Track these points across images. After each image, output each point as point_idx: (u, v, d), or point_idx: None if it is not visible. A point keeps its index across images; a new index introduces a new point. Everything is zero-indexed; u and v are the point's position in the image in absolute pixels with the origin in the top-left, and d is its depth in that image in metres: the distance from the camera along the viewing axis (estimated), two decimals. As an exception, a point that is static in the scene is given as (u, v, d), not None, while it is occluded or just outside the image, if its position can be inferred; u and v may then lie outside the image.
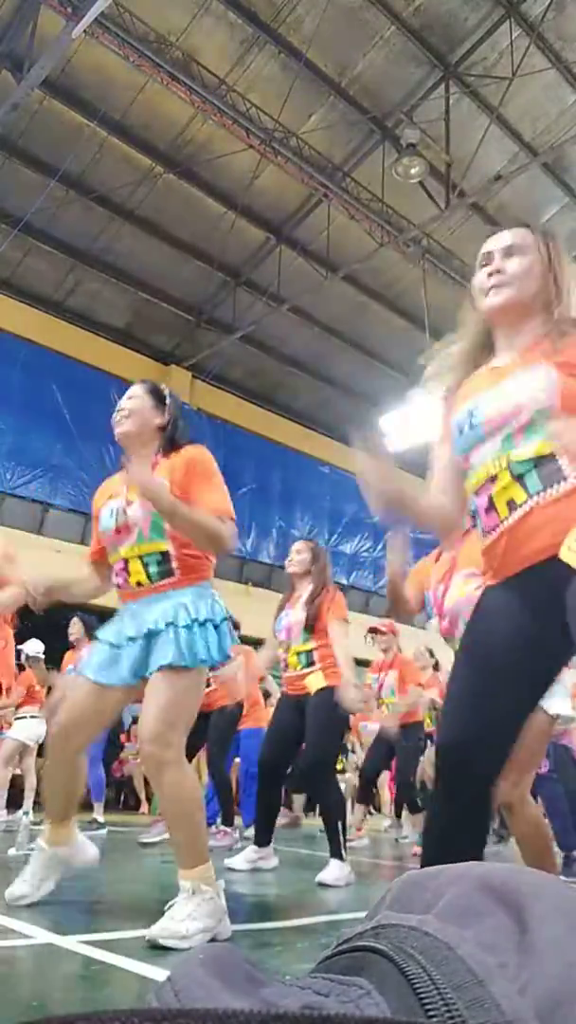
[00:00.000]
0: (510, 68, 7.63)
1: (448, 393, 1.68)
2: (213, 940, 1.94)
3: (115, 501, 2.34)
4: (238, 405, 12.18)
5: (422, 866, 1.53)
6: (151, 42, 7.28)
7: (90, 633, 4.38)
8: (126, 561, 2.26)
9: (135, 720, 7.72)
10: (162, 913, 1.95)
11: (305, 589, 3.81)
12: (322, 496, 12.99)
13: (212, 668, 2.35)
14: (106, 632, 2.30)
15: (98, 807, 5.63)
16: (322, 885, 3.30)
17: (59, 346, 10.13)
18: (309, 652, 3.70)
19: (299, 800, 7.79)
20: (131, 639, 2.19)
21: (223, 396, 12.02)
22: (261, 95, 8.05)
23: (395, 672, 5.50)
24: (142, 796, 8.54)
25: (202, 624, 2.13)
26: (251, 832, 5.61)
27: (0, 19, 7.30)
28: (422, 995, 0.24)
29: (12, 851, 3.43)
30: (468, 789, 1.41)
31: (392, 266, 10.28)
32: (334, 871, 3.38)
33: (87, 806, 5.74)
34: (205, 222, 9.64)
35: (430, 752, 5.07)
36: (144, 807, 8.35)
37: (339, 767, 6.96)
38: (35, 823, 3.83)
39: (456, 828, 1.41)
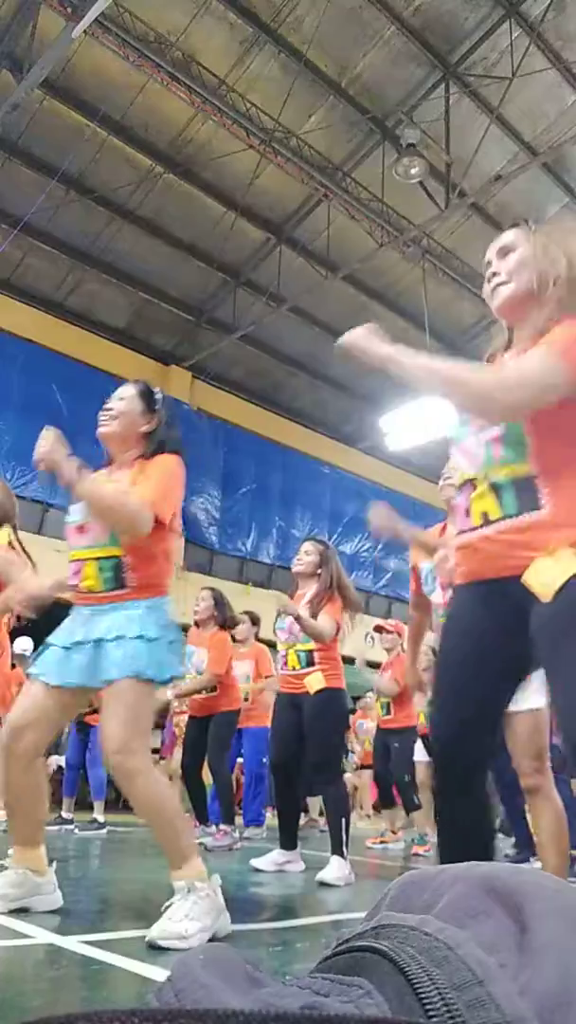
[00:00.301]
0: (510, 68, 7.64)
1: None
2: (213, 937, 1.94)
3: None
4: (238, 405, 12.18)
5: (441, 861, 1.58)
6: (151, 42, 7.29)
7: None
8: (82, 562, 2.22)
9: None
10: (162, 913, 1.95)
11: (309, 589, 3.81)
12: (322, 496, 12.99)
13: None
14: (57, 634, 2.23)
15: (98, 806, 5.64)
16: (323, 884, 3.29)
17: (59, 346, 10.14)
18: (309, 652, 3.70)
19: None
20: (79, 643, 2.15)
21: (223, 396, 12.02)
22: (261, 95, 8.05)
23: (398, 671, 5.50)
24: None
25: (151, 641, 2.08)
26: (251, 832, 5.63)
27: (0, 19, 7.30)
28: (422, 995, 0.24)
29: None
30: (461, 774, 1.51)
31: (392, 266, 10.28)
32: (335, 869, 3.37)
33: (87, 806, 5.75)
34: (205, 222, 9.65)
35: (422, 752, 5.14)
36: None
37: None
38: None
39: (462, 813, 1.51)
